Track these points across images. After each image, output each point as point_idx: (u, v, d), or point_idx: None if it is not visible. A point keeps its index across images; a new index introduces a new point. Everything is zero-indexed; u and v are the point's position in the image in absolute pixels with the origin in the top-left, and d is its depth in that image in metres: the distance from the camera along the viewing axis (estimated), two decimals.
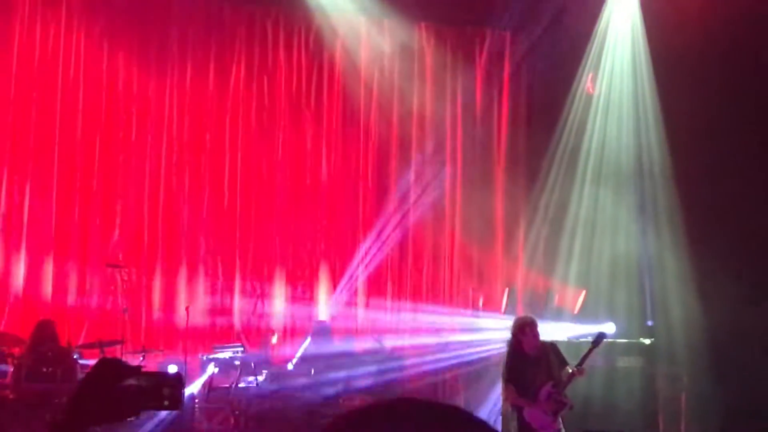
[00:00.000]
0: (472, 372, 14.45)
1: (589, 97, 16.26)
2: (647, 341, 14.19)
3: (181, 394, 2.74)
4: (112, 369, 2.61)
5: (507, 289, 15.89)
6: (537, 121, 16.39)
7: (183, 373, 11.54)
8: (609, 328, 14.46)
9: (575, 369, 10.37)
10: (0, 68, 14.33)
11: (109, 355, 11.52)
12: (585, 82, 16.23)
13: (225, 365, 13.08)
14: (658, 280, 15.29)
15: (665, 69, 15.36)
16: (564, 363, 10.60)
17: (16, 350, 12.31)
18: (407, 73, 16.17)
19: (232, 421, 12.43)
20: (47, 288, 14.18)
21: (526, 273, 16.22)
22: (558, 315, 15.10)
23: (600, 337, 10.79)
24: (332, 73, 15.99)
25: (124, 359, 2.72)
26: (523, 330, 10.58)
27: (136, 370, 2.66)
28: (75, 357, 11.87)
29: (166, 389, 2.69)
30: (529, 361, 10.48)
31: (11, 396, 11.20)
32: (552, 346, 10.71)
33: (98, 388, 2.58)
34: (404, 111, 16.21)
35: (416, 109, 16.26)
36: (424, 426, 1.29)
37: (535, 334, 10.57)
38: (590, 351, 10.59)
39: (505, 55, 16.64)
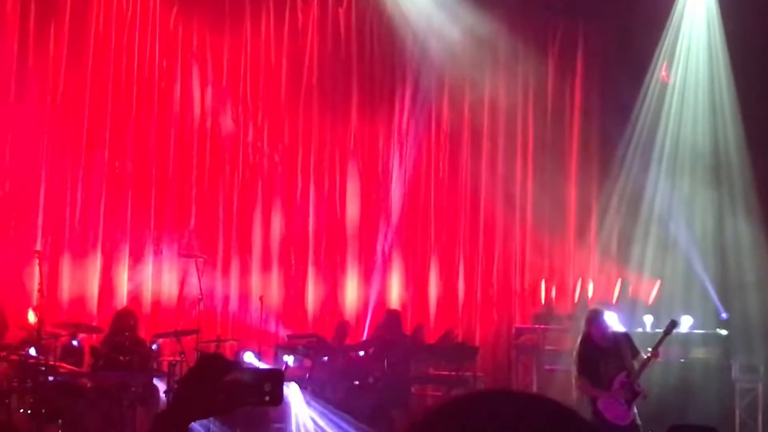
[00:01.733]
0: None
1: (664, 85, 16.08)
2: (723, 332, 14.04)
3: (282, 390, 2.75)
4: (214, 364, 2.62)
5: (580, 280, 15.79)
6: (610, 109, 16.21)
7: (283, 369, 11.64)
8: (686, 320, 14.33)
9: (649, 353, 10.36)
10: (78, 64, 14.45)
11: (185, 345, 11.64)
12: (659, 70, 16.05)
13: (299, 355, 13.14)
14: (735, 270, 15.11)
15: (742, 55, 15.16)
16: (637, 353, 10.59)
17: (93, 340, 12.49)
18: (479, 62, 16.08)
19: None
20: (123, 278, 14.34)
21: (600, 263, 16.09)
22: (632, 306, 14.97)
23: (672, 324, 10.76)
24: (403, 60, 15.96)
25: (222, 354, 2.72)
26: (592, 322, 10.63)
27: (238, 366, 2.67)
28: (152, 347, 12.00)
29: (267, 384, 2.70)
30: (600, 353, 10.51)
31: (88, 384, 11.34)
32: (624, 337, 10.72)
33: (201, 383, 2.59)
34: (475, 100, 16.14)
35: (488, 98, 16.18)
36: (514, 418, 1.27)
37: (604, 326, 10.58)
38: (663, 338, 10.60)
39: (578, 44, 16.50)
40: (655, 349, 10.41)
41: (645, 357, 10.45)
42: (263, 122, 15.27)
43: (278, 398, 2.74)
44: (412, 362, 13.44)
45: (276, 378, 2.75)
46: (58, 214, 14.14)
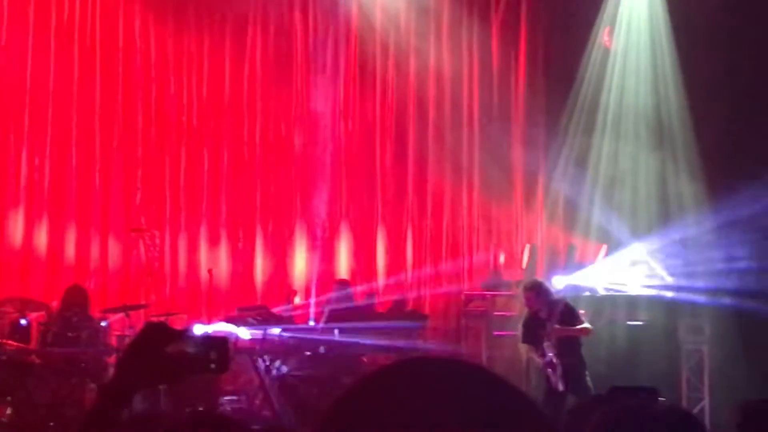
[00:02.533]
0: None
1: (607, 51, 16.16)
2: (668, 294, 14.18)
3: (228, 358, 2.74)
4: (158, 333, 2.62)
5: (528, 246, 15.88)
6: (554, 75, 16.29)
7: (228, 337, 11.60)
8: (634, 282, 14.53)
9: (556, 328, 10.63)
10: (19, 35, 14.28)
11: (134, 319, 11.60)
12: (602, 36, 16.13)
13: (248, 327, 13.10)
14: (680, 232, 15.27)
15: (682, 19, 15.27)
16: (574, 320, 10.81)
17: (41, 315, 12.39)
18: (423, 31, 16.07)
19: (257, 382, 12.49)
20: (70, 254, 14.24)
21: (547, 229, 16.19)
22: (579, 270, 15.11)
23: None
24: (348, 31, 15.91)
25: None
26: (527, 294, 10.95)
27: (183, 334, 2.66)
28: (101, 322, 11.94)
29: (212, 353, 2.68)
30: (538, 322, 10.77)
31: (37, 361, 11.27)
32: (563, 305, 10.90)
33: (145, 353, 2.58)
34: (421, 69, 16.12)
35: (433, 67, 16.17)
36: (446, 385, 1.28)
37: (537, 297, 10.86)
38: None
39: (522, 11, 16.50)
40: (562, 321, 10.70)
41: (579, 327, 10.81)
42: (208, 95, 15.17)
43: (224, 366, 2.73)
44: (363, 331, 13.46)
45: (221, 346, 2.73)
46: (2, 191, 14.02)
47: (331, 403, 1.30)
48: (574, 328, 10.88)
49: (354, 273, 15.43)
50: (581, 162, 15.93)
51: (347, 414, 1.27)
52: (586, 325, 11.07)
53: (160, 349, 2.57)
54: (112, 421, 2.50)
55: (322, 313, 13.55)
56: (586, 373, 10.98)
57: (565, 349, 10.75)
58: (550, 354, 10.67)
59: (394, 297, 14.96)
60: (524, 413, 1.28)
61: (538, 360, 10.81)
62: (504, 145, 16.22)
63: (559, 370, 10.62)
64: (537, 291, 11.05)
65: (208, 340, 2.76)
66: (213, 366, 2.70)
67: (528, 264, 15.47)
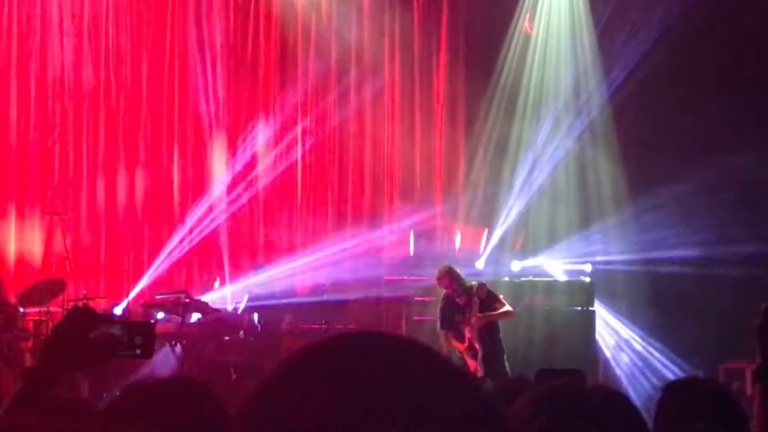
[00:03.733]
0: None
1: (528, 36, 16.30)
2: (587, 279, 14.36)
3: (153, 343, 2.73)
4: (84, 317, 2.60)
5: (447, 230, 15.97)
6: (476, 59, 16.41)
7: (154, 322, 11.52)
8: (551, 267, 14.72)
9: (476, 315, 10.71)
10: None
11: (54, 304, 11.46)
12: (523, 21, 16.26)
13: (168, 311, 12.99)
14: (597, 214, 15.50)
15: (601, 5, 15.49)
16: (495, 304, 10.89)
17: None
18: (344, 15, 16.02)
19: (176, 369, 12.39)
20: None
21: (467, 212, 16.28)
22: (499, 255, 15.26)
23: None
24: (269, 15, 15.78)
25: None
26: (441, 279, 11.04)
27: (109, 318, 2.65)
28: (18, 307, 11.74)
29: (138, 338, 2.68)
30: (456, 307, 10.83)
31: None
32: (479, 290, 10.93)
33: (70, 336, 2.56)
34: (342, 53, 16.08)
35: (354, 51, 16.14)
36: (377, 360, 1.24)
37: (452, 282, 10.94)
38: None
39: None
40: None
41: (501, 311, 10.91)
42: (126, 76, 14.94)
43: (149, 351, 2.72)
44: (283, 316, 13.46)
45: (147, 331, 2.73)
46: None
47: (254, 388, 1.25)
48: (496, 312, 10.95)
49: (273, 258, 15.34)
50: (502, 146, 16.07)
51: (272, 399, 1.23)
52: (507, 308, 11.15)
53: (86, 332, 2.55)
54: (36, 405, 2.47)
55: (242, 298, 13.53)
56: (505, 357, 11.08)
57: (485, 334, 10.83)
58: (468, 339, 10.74)
59: (313, 281, 14.95)
60: (462, 388, 1.25)
61: (457, 346, 10.87)
62: (425, 129, 16.29)
63: (479, 355, 10.71)
64: (450, 275, 11.09)
65: (134, 324, 2.75)
66: (138, 351, 2.70)
67: (447, 248, 15.57)
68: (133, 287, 13.75)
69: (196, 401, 2.45)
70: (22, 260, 13.98)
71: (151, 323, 2.66)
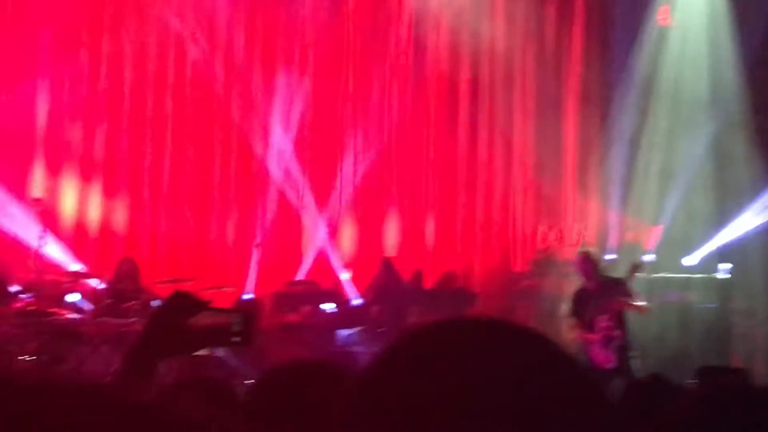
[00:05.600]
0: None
1: (664, 28, 15.96)
2: (723, 276, 14.04)
3: (252, 331, 2.71)
4: (183, 303, 2.61)
5: (579, 225, 15.77)
6: (610, 53, 16.13)
7: (254, 309, 11.68)
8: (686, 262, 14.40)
9: (620, 300, 10.50)
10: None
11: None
12: (658, 14, 15.93)
13: (297, 301, 13.14)
14: (736, 214, 15.11)
15: None
16: (627, 297, 10.70)
17: (94, 287, 12.53)
18: (477, 8, 15.92)
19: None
20: (122, 227, 14.39)
21: (599, 207, 16.05)
22: (632, 250, 14.97)
23: (634, 268, 10.82)
24: (400, 9, 15.81)
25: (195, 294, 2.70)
26: (578, 264, 10.86)
27: (206, 305, 2.65)
28: (152, 295, 12.03)
29: (236, 325, 2.66)
30: (589, 296, 10.68)
31: (89, 331, 11.40)
32: (617, 281, 10.79)
33: (169, 322, 2.58)
34: (474, 46, 15.99)
35: (486, 45, 16.03)
36: (498, 347, 1.26)
37: (589, 268, 10.74)
38: (629, 280, 10.69)
39: None
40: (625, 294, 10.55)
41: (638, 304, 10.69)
42: (261, 70, 15.17)
43: (248, 339, 2.70)
44: (411, 308, 13.46)
45: (247, 318, 2.71)
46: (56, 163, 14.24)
47: (375, 360, 1.28)
48: (635, 303, 10.78)
49: (403, 251, 15.36)
50: (636, 141, 15.78)
51: (392, 371, 1.26)
52: (644, 303, 11.01)
53: (183, 318, 2.57)
54: (136, 389, 2.50)
55: (369, 290, 13.57)
56: (634, 353, 10.89)
57: (619, 325, 10.65)
58: (604, 328, 10.52)
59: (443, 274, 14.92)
60: (582, 383, 1.25)
61: (584, 336, 10.69)
62: (557, 123, 16.11)
63: (614, 345, 10.51)
64: (588, 258, 10.95)
65: (232, 312, 2.74)
66: (238, 339, 2.68)
67: (579, 243, 15.36)
68: (262, 277, 13.93)
69: (336, 383, 2.44)
70: (156, 247, 14.34)
71: (252, 311, 2.67)
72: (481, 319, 1.31)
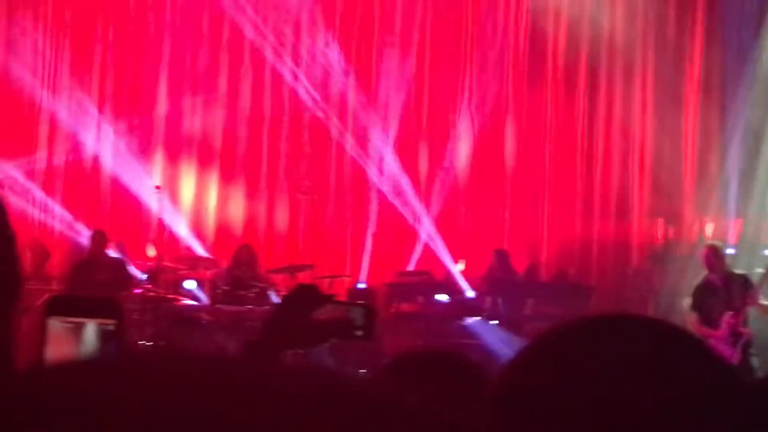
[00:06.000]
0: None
1: None
2: None
3: (374, 325, 2.72)
4: (307, 295, 2.63)
5: (699, 220, 15.48)
6: (732, 44, 15.76)
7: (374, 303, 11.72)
8: None
9: (749, 297, 10.27)
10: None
11: (299, 280, 11.79)
12: None
13: (412, 291, 13.16)
14: None
15: None
16: (752, 294, 10.46)
17: (211, 274, 12.74)
18: None
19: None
20: (239, 215, 14.61)
21: (720, 203, 15.71)
22: (753, 247, 14.63)
23: None
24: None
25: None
26: (705, 257, 10.64)
27: (331, 298, 2.66)
28: (269, 282, 12.18)
29: (358, 319, 2.67)
30: (712, 290, 10.47)
31: (206, 318, 11.59)
32: (741, 277, 10.57)
33: (293, 314, 2.60)
34: (593, 35, 15.80)
35: (606, 34, 15.82)
36: (641, 343, 1.24)
37: (716, 262, 10.52)
38: (762, 281, 10.44)
39: None
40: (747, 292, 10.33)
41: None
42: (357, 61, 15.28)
43: (370, 333, 2.71)
44: (526, 301, 13.38)
45: (369, 313, 2.72)
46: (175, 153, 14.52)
47: (513, 361, 1.27)
48: (762, 302, 10.56)
49: (519, 243, 15.27)
50: (758, 135, 15.40)
51: (532, 372, 1.25)
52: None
53: (307, 311, 2.58)
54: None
55: (483, 281, 13.52)
56: (753, 350, 10.66)
57: (745, 321, 10.44)
58: (732, 324, 10.30)
59: (559, 268, 14.78)
60: (729, 377, 1.24)
61: (705, 332, 10.47)
62: (677, 116, 15.82)
63: (742, 341, 10.30)
64: (715, 252, 10.74)
65: (356, 306, 2.75)
66: (359, 333, 2.69)
67: (698, 238, 15.07)
68: (376, 267, 13.99)
69: (462, 373, 2.44)
70: (271, 235, 14.52)
71: (372, 305, 2.67)
72: (626, 316, 1.30)
